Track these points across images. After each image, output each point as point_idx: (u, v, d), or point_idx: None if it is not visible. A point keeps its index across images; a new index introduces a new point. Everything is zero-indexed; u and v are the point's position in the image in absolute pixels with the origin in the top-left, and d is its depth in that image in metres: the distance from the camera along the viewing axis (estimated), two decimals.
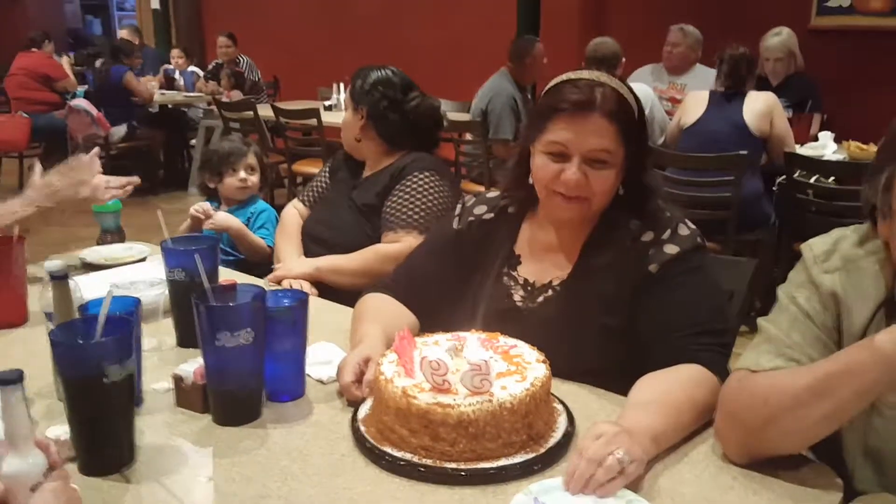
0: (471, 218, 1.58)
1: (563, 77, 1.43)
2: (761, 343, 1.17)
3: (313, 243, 2.24)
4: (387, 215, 2.12)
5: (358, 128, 2.23)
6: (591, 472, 1.02)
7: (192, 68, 7.64)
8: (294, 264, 2.13)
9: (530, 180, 1.46)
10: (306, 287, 2.01)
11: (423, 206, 2.07)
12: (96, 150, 2.09)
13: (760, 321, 1.20)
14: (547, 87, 1.44)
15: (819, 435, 1.07)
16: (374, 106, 2.21)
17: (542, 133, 1.39)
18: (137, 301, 1.28)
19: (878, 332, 1.01)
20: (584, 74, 1.40)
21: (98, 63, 7.01)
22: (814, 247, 1.20)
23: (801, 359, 1.12)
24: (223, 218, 2.40)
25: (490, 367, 1.12)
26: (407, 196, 2.10)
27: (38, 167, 1.98)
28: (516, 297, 1.49)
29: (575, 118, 1.35)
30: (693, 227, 1.43)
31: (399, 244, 2.03)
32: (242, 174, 2.54)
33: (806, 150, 3.87)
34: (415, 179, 2.12)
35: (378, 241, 2.12)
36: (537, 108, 1.47)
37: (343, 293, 1.90)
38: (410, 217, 2.07)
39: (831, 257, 1.17)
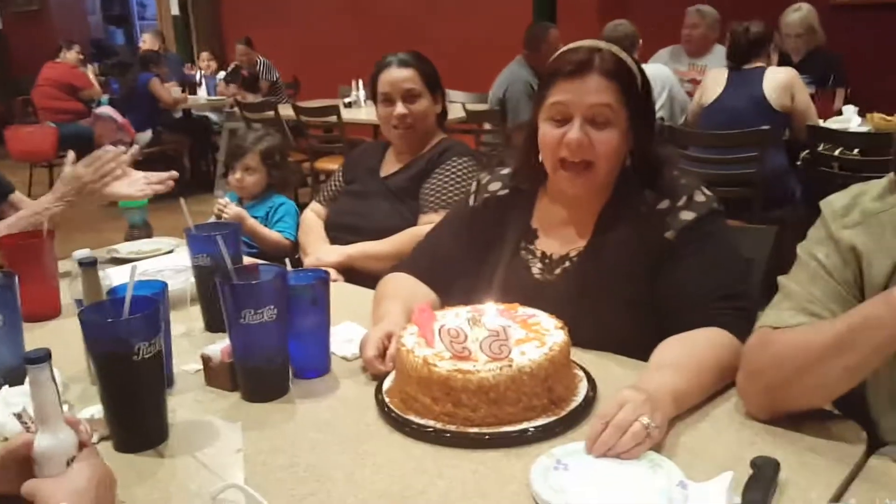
0: (486, 195, 1.60)
1: (565, 48, 1.45)
2: (782, 300, 1.17)
3: (342, 232, 2.25)
4: (425, 197, 2.14)
5: (437, 113, 2.26)
6: (617, 437, 1.03)
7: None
8: (323, 253, 2.13)
9: (540, 158, 1.47)
10: (332, 274, 2.02)
11: (462, 190, 2.09)
12: (122, 148, 2.14)
13: (781, 279, 1.20)
14: (550, 60, 1.46)
15: (842, 389, 1.07)
16: (442, 91, 2.26)
17: (544, 100, 1.41)
18: (164, 284, 1.31)
19: None
20: (585, 43, 1.42)
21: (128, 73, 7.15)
22: (833, 203, 1.19)
23: (823, 313, 1.12)
24: (235, 212, 2.45)
25: (508, 333, 1.13)
26: (446, 179, 2.14)
27: (71, 155, 2.03)
28: (535, 271, 1.50)
29: (574, 79, 1.37)
30: (709, 193, 1.43)
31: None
32: (238, 174, 2.60)
33: (830, 123, 3.82)
34: (454, 163, 2.16)
35: (413, 222, 2.14)
36: (540, 79, 1.49)
37: (374, 278, 1.89)
38: (450, 199, 2.08)
39: (851, 212, 1.16)
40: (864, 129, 3.79)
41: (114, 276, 1.57)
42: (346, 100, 5.96)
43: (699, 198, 1.41)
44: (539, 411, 1.13)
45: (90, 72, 7.99)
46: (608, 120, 1.37)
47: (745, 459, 0.99)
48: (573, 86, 1.37)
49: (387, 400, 1.22)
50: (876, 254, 1.12)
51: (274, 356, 1.29)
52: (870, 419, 1.14)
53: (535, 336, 1.20)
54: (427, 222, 2.06)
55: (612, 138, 1.38)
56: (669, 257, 1.38)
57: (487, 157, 4.86)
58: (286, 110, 5.71)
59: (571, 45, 1.44)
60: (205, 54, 8.00)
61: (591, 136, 1.37)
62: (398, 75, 2.19)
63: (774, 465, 0.98)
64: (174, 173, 2.10)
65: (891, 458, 1.03)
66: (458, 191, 2.08)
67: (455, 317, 1.27)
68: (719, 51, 4.84)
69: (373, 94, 2.29)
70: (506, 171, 1.62)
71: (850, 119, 3.92)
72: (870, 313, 1.02)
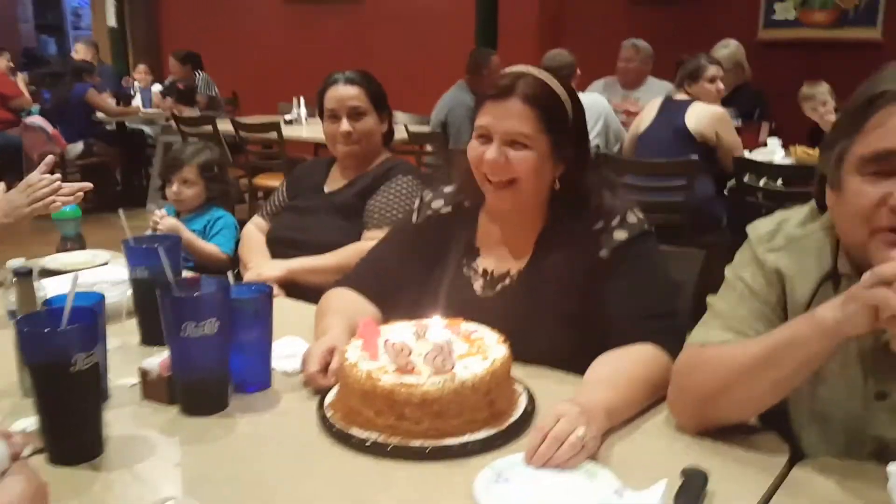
0: (429, 212, 1.63)
1: (502, 71, 1.50)
2: (710, 319, 1.23)
3: (283, 247, 2.23)
4: (370, 214, 2.15)
5: (384, 132, 2.28)
6: (554, 449, 1.06)
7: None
8: (264, 268, 2.10)
9: None
10: (274, 289, 1.99)
11: (406, 208, 2.10)
12: (50, 157, 2.07)
13: (709, 298, 1.26)
14: None
15: (767, 403, 1.13)
16: (389, 110, 2.28)
17: (476, 119, 1.48)
18: (101, 296, 1.29)
19: (820, 304, 1.07)
20: (516, 68, 1.48)
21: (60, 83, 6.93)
22: (759, 227, 1.26)
23: (748, 332, 1.18)
24: (170, 224, 2.41)
25: (452, 347, 1.16)
26: (392, 196, 2.15)
27: (1, 185, 1.99)
28: (476, 287, 1.54)
29: (497, 103, 1.43)
30: (641, 215, 1.49)
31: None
32: (175, 187, 2.56)
33: (755, 155, 3.99)
34: (401, 181, 2.17)
35: (356, 239, 2.14)
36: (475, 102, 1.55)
37: (316, 292, 1.87)
38: (394, 216, 2.09)
39: (775, 237, 1.23)
40: (787, 161, 3.97)
41: (49, 287, 1.53)
42: (287, 117, 5.93)
43: (631, 219, 1.47)
44: (480, 424, 1.15)
45: (20, 80, 7.74)
46: (525, 144, 1.43)
47: (676, 470, 1.03)
48: (496, 109, 1.43)
49: (328, 414, 1.22)
50: (799, 276, 1.19)
51: (214, 370, 1.27)
52: (791, 433, 1.20)
53: (478, 350, 1.22)
54: (371, 238, 2.05)
55: (529, 158, 1.43)
56: (604, 275, 1.44)
57: (432, 177, 4.92)
58: (225, 125, 5.63)
59: (504, 71, 1.50)
60: (141, 67, 7.84)
61: (509, 156, 1.43)
62: (344, 92, 2.20)
63: (703, 476, 1.02)
64: (86, 185, 2.04)
65: (812, 469, 1.09)
66: (403, 208, 2.10)
67: (400, 331, 1.28)
68: (652, 83, 5.03)
69: (319, 111, 2.30)
70: (449, 189, 1.65)
71: (774, 151, 4.10)
72: (795, 332, 1.08)
